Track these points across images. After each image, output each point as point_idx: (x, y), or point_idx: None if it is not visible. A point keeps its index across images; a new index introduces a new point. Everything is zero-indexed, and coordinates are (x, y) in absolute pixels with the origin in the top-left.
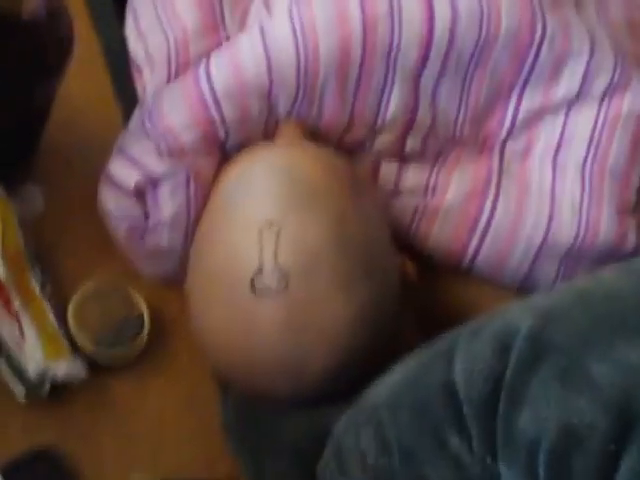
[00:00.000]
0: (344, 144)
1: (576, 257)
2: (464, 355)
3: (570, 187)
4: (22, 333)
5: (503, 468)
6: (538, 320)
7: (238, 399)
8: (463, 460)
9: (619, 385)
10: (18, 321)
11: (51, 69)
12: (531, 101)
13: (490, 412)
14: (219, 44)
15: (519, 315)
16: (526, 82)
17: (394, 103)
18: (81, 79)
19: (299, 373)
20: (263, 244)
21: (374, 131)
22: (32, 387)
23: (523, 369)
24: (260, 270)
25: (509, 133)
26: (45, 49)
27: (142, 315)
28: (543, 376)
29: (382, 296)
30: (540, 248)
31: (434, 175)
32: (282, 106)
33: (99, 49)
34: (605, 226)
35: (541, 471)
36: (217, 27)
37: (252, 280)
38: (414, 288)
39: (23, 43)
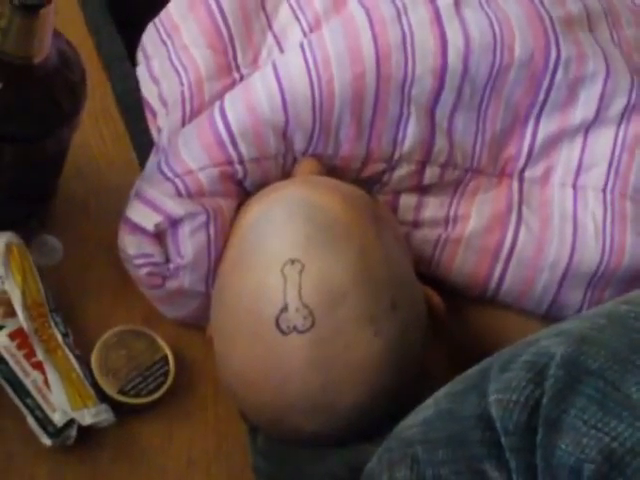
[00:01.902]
0: (362, 178)
1: (602, 281)
2: (498, 386)
3: (592, 211)
4: (47, 383)
5: None
6: (572, 346)
7: (267, 440)
8: None
9: None
10: (42, 371)
11: (65, 115)
12: (548, 126)
13: (528, 442)
14: (233, 85)
15: (551, 342)
16: (542, 107)
17: (410, 134)
18: (95, 125)
19: (329, 409)
20: (287, 282)
21: (392, 164)
22: (58, 436)
23: (560, 396)
24: (285, 309)
25: (528, 159)
26: (58, 95)
27: (167, 358)
28: (581, 402)
29: (409, 328)
30: (565, 274)
31: (454, 205)
32: (299, 142)
33: (113, 94)
34: (630, 249)
35: None
36: (230, 68)
37: (277, 319)
38: (441, 319)
39: (36, 90)
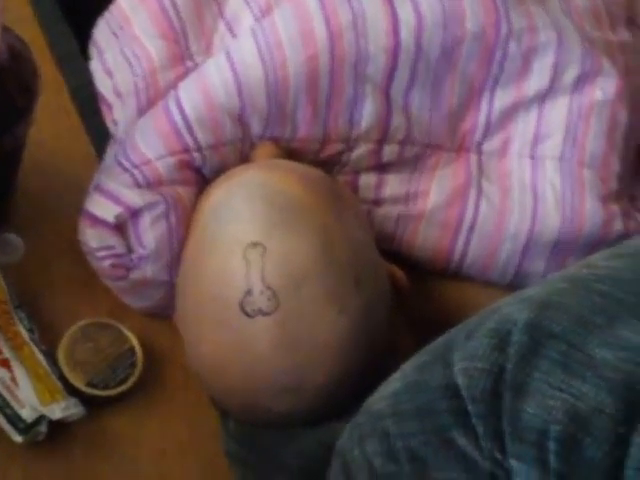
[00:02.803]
0: (321, 159)
1: (563, 249)
2: (463, 354)
3: (550, 181)
4: (14, 380)
5: (513, 462)
6: (534, 311)
7: (239, 424)
8: (473, 459)
9: (622, 367)
10: (9, 368)
11: (19, 112)
12: (504, 98)
13: (495, 408)
14: (187, 73)
15: (514, 308)
16: (497, 80)
17: (367, 114)
18: (51, 121)
19: (298, 390)
20: (249, 266)
21: (350, 144)
22: (29, 433)
23: (524, 361)
24: (249, 292)
25: (485, 133)
26: (11, 92)
27: (134, 349)
28: (545, 365)
29: (374, 305)
30: (527, 244)
31: (414, 182)
32: (255, 127)
33: (66, 89)
34: (589, 216)
35: (552, 461)
36: (183, 57)
37: (242, 303)
38: (405, 294)
39: None
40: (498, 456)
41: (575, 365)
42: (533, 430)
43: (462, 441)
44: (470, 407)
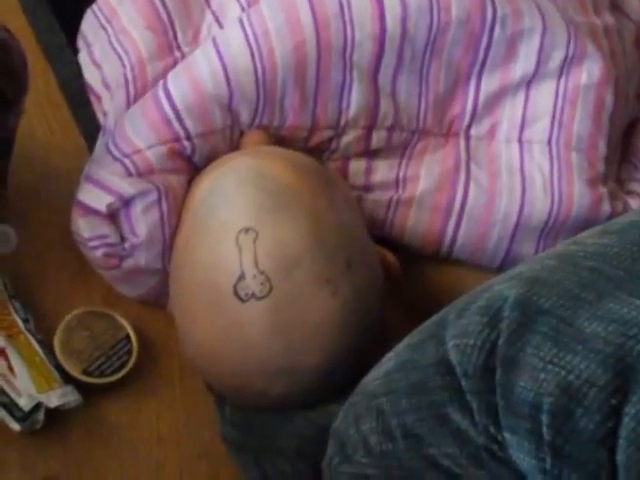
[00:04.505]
0: (311, 146)
1: (553, 232)
2: (455, 332)
3: (538, 164)
4: (11, 369)
5: (507, 435)
6: (524, 287)
7: (235, 409)
8: (467, 434)
9: (612, 340)
10: (5, 358)
11: (8, 103)
12: (490, 83)
13: (488, 383)
14: (175, 64)
15: (504, 286)
16: (483, 65)
17: (355, 101)
18: (41, 113)
19: (292, 372)
20: (242, 251)
21: (338, 130)
22: (26, 421)
23: (515, 336)
24: (242, 277)
25: (472, 117)
26: (0, 84)
27: (129, 337)
28: (536, 340)
29: (366, 287)
30: (516, 227)
31: (403, 167)
32: (244, 115)
33: (56, 82)
34: (577, 198)
35: (545, 433)
36: (171, 48)
37: (235, 288)
38: (397, 278)
39: None
40: (492, 430)
41: (566, 339)
42: (526, 403)
43: (456, 416)
44: (463, 383)
